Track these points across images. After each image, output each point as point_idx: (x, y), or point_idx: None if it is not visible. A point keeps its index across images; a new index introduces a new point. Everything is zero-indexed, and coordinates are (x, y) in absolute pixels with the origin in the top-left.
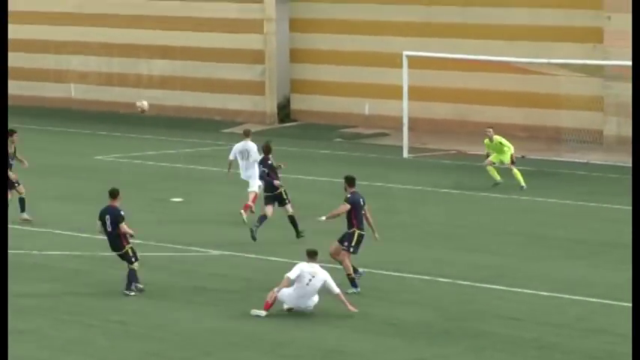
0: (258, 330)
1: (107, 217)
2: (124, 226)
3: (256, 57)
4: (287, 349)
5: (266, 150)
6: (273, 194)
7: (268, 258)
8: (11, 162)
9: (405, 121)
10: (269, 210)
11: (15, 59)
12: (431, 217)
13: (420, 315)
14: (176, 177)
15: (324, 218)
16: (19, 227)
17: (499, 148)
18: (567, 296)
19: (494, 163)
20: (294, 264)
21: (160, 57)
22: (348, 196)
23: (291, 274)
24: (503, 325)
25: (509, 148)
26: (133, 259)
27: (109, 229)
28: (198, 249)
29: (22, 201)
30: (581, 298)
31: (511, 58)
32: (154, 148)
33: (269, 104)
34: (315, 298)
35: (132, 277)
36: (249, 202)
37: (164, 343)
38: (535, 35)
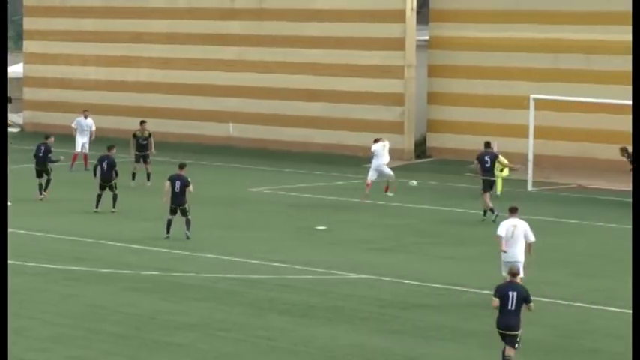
0: (390, 345)
1: (177, 182)
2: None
3: (397, 99)
4: None
5: None
6: None
7: (402, 281)
8: None
9: (530, 157)
10: None
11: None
12: (550, 244)
13: (538, 333)
14: (321, 207)
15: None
16: (178, 251)
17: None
18: None
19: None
20: (427, 286)
21: (308, 99)
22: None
23: (499, 232)
24: (615, 343)
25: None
26: (189, 213)
27: (177, 190)
28: (337, 272)
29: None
30: None
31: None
32: (301, 182)
33: (407, 142)
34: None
35: (188, 224)
36: None
37: (306, 357)
38: None
